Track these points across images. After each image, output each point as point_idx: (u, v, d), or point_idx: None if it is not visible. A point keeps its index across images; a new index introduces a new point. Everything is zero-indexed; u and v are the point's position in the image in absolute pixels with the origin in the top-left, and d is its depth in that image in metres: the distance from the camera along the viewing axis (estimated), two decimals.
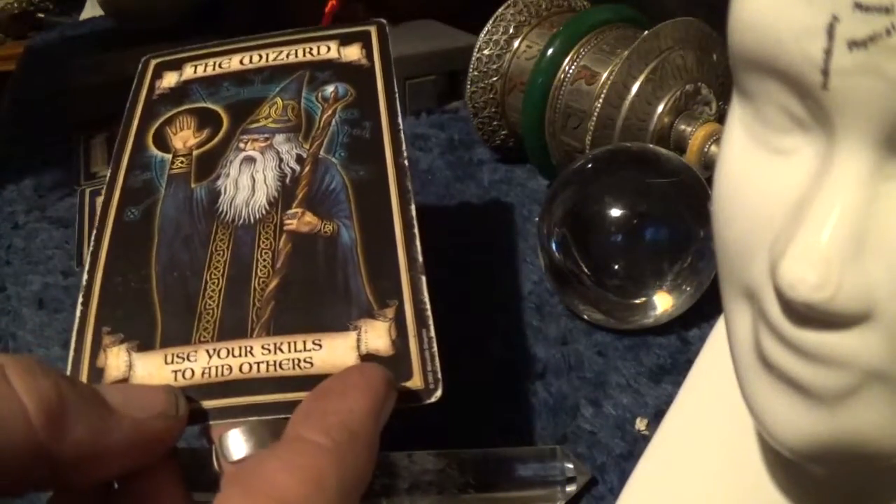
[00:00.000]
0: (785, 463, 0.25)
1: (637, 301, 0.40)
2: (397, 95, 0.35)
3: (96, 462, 0.21)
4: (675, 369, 0.39)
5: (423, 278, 0.28)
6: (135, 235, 0.31)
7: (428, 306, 0.27)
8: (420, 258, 0.29)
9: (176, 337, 0.27)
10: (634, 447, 0.35)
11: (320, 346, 0.26)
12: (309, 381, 0.25)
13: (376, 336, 0.27)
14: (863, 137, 0.17)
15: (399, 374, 0.26)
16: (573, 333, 0.42)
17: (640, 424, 0.36)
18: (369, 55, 0.37)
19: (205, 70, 0.39)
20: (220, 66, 0.39)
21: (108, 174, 0.34)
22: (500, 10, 0.55)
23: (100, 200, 0.33)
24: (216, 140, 0.35)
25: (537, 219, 0.44)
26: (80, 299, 0.29)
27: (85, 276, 0.30)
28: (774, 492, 0.25)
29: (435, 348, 0.27)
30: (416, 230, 0.30)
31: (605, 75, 0.49)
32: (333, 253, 0.29)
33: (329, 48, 0.38)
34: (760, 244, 0.19)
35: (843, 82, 0.16)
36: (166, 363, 0.27)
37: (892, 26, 0.15)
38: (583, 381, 0.39)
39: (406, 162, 0.32)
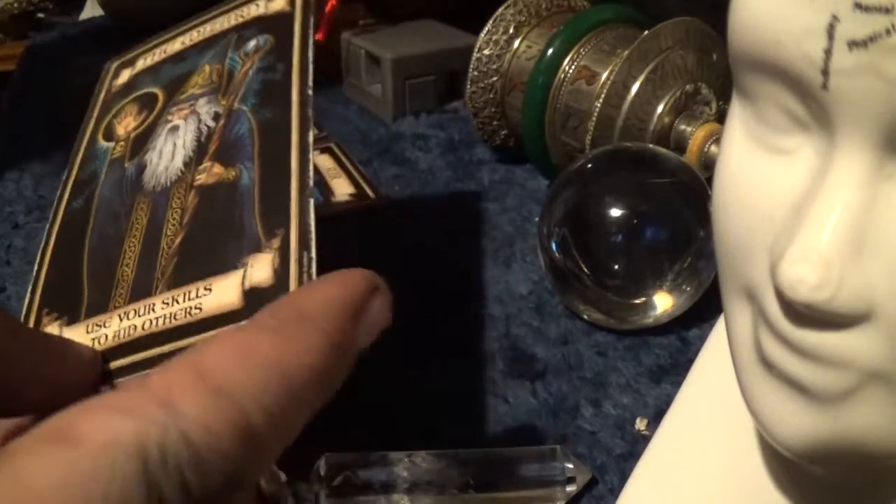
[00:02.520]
0: (785, 463, 0.25)
1: (637, 301, 0.40)
2: (312, 31, 0.34)
3: (21, 386, 0.22)
4: (675, 369, 0.39)
5: (312, 201, 0.27)
6: (76, 222, 0.32)
7: (312, 229, 0.26)
8: (311, 182, 0.28)
9: (97, 307, 0.28)
10: (634, 447, 0.35)
11: (210, 290, 0.26)
12: (198, 327, 0.25)
13: (261, 269, 0.26)
14: (863, 137, 0.17)
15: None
16: (573, 333, 0.42)
17: (640, 424, 0.36)
18: (292, 1, 0.36)
19: (153, 59, 0.39)
20: (164, 51, 0.39)
21: (64, 174, 0.35)
22: (500, 10, 0.55)
23: None
24: (150, 119, 0.35)
25: (537, 219, 0.44)
26: (29, 290, 0.30)
27: (35, 268, 0.31)
28: (774, 492, 0.25)
29: (314, 270, 0.26)
30: (310, 155, 0.28)
31: (605, 75, 0.49)
32: (233, 197, 0.29)
33: (258, 6, 0.37)
34: (760, 244, 0.19)
35: (843, 82, 0.16)
36: (87, 332, 0.27)
37: (892, 26, 0.15)
38: (583, 381, 0.39)
39: (311, 92, 0.31)
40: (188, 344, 0.25)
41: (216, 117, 0.33)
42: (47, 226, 0.32)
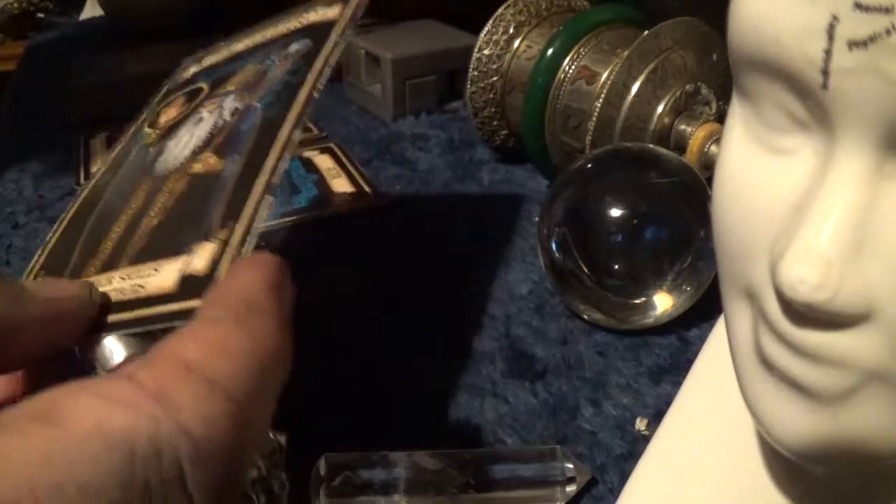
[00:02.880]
0: (785, 463, 0.25)
1: (637, 301, 0.40)
2: (346, 38, 0.34)
3: (11, 336, 0.22)
4: (675, 369, 0.39)
5: (269, 198, 0.27)
6: (94, 196, 0.34)
7: (257, 225, 0.26)
8: (277, 180, 0.28)
9: (74, 273, 0.29)
10: (634, 447, 0.35)
11: (158, 271, 0.27)
12: (136, 303, 0.26)
13: (201, 257, 0.26)
14: (863, 137, 0.17)
15: (205, 289, 0.25)
16: (573, 333, 0.42)
17: (640, 424, 0.36)
18: (343, 10, 0.36)
19: (216, 59, 0.41)
20: (229, 51, 0.41)
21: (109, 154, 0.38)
22: (500, 10, 0.55)
23: None
24: (188, 111, 0.36)
25: (537, 219, 0.44)
26: (38, 252, 0.32)
27: (50, 234, 0.33)
28: (774, 492, 0.25)
29: None
30: (289, 154, 0.28)
31: (605, 75, 0.49)
32: (213, 186, 0.29)
33: (317, 13, 0.38)
34: (760, 244, 0.19)
35: (843, 82, 0.16)
36: None
37: (892, 26, 0.15)
38: (583, 381, 0.39)
39: (317, 95, 0.31)
40: (125, 318, 0.26)
41: (234, 112, 0.33)
42: (75, 197, 0.35)
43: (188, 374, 0.17)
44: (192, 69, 0.42)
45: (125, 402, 0.16)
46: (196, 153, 0.32)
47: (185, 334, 0.19)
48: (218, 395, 0.17)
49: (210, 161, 0.31)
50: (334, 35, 0.34)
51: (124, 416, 0.16)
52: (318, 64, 0.33)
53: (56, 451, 0.15)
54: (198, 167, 0.31)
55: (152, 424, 0.16)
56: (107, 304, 0.26)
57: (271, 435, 0.24)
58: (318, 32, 0.36)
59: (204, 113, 0.35)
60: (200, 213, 0.28)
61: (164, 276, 0.26)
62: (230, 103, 0.34)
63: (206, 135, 0.33)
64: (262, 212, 0.26)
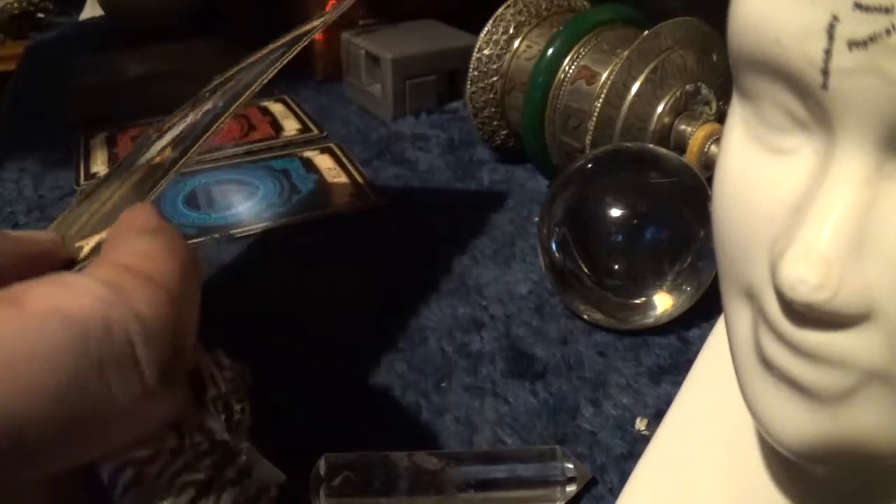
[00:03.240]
0: (785, 463, 0.25)
1: (637, 301, 0.40)
2: (306, 41, 0.35)
3: None
4: (675, 369, 0.39)
5: (175, 177, 0.29)
6: (84, 198, 0.36)
7: (155, 196, 0.29)
8: (193, 158, 0.30)
9: None
10: (634, 447, 0.35)
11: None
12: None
13: None
14: (863, 137, 0.17)
15: None
16: (573, 333, 0.42)
17: (640, 424, 0.36)
18: (323, 19, 0.38)
19: (232, 72, 0.42)
20: (240, 65, 0.41)
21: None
22: (500, 10, 0.55)
23: None
24: (183, 116, 0.38)
25: (537, 219, 0.44)
26: None
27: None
28: (774, 492, 0.25)
29: None
30: (205, 140, 0.30)
31: (605, 75, 0.49)
32: (152, 175, 0.31)
33: (311, 24, 0.39)
34: (760, 244, 0.19)
35: (842, 82, 0.16)
36: None
37: (892, 26, 0.15)
38: (583, 381, 0.39)
39: (257, 89, 0.33)
40: None
41: (205, 113, 0.35)
42: (74, 197, 0.38)
43: (128, 272, 0.20)
44: (215, 82, 0.43)
45: (81, 288, 0.18)
46: (163, 149, 0.33)
47: (114, 249, 0.21)
48: (155, 288, 0.20)
49: (166, 153, 0.33)
50: (301, 40, 0.36)
51: (80, 299, 0.18)
52: (275, 65, 0.34)
53: (16, 329, 0.17)
54: (157, 159, 0.33)
55: (105, 308, 0.18)
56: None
57: (231, 361, 0.25)
58: (296, 40, 0.37)
59: (189, 116, 0.36)
60: (137, 194, 0.30)
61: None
62: (207, 106, 0.35)
63: (178, 133, 0.34)
64: (163, 187, 0.29)
